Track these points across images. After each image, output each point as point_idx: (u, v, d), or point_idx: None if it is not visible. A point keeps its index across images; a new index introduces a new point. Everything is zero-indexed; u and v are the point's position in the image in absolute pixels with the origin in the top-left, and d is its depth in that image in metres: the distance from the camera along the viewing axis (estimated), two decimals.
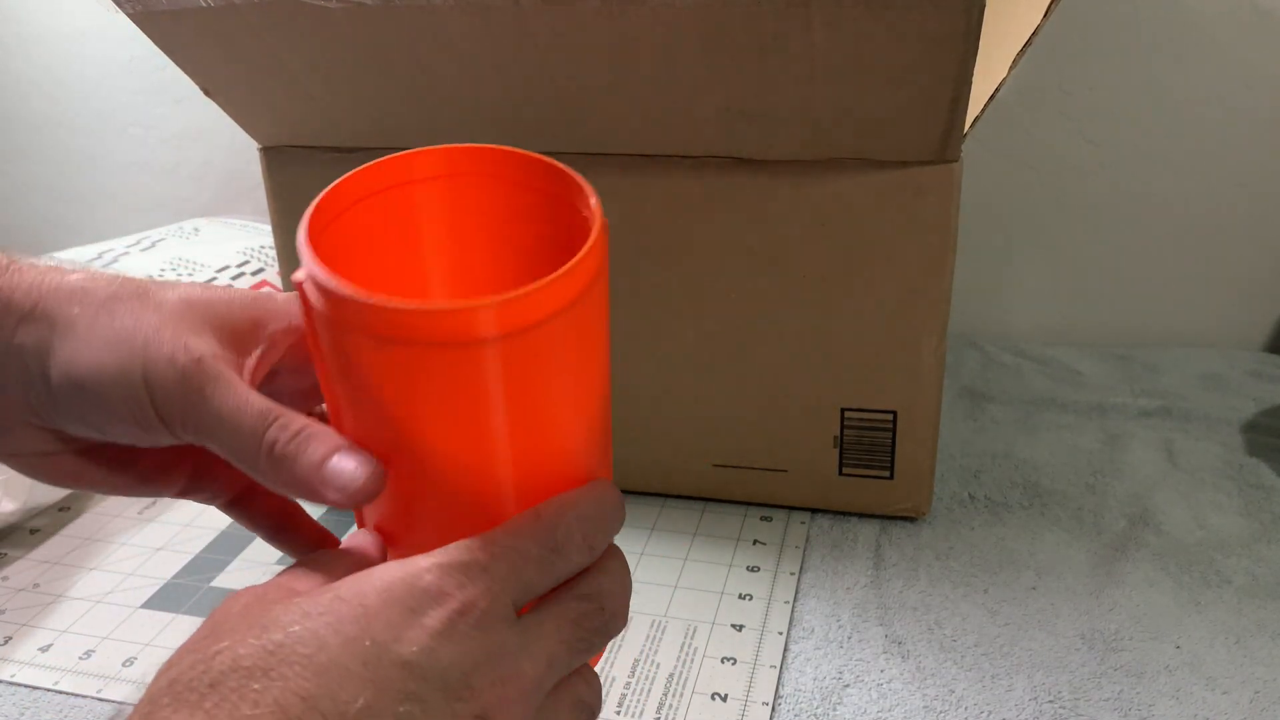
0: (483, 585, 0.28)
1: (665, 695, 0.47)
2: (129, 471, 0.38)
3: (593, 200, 0.30)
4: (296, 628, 0.26)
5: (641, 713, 0.46)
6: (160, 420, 0.33)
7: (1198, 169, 0.79)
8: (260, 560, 0.59)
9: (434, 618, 0.27)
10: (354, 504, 0.30)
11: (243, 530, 0.43)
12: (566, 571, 0.30)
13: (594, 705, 0.31)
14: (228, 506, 0.39)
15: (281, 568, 0.33)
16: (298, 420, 0.31)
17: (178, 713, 0.25)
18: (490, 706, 0.27)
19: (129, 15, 0.50)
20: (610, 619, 0.31)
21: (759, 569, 0.56)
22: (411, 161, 0.33)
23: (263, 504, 0.39)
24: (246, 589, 0.29)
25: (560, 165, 0.32)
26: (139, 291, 0.34)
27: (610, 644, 0.50)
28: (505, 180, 0.33)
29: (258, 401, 0.32)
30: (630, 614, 0.55)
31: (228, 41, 0.51)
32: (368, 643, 0.26)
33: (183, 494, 0.39)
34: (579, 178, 0.31)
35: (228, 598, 0.29)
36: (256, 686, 0.25)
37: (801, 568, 0.56)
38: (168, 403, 0.32)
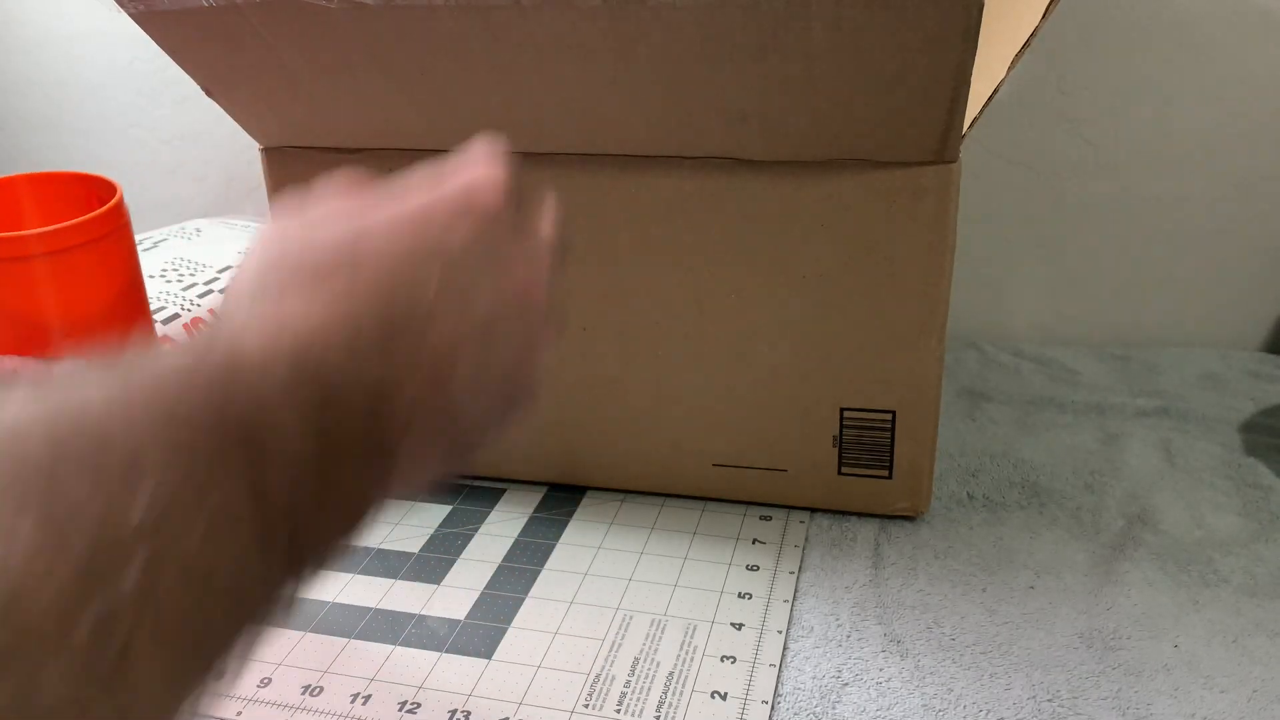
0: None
1: (665, 694, 0.47)
2: None
3: (118, 191, 0.56)
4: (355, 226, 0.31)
5: (641, 711, 0.46)
6: None
7: (1198, 169, 0.79)
8: None
9: (463, 228, 0.33)
10: None
11: None
12: None
13: None
14: None
15: None
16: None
17: (299, 294, 0.29)
18: (492, 307, 0.33)
19: (131, 15, 0.50)
20: None
21: (758, 568, 0.56)
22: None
23: None
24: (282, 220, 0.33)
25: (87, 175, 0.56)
26: None
27: (610, 642, 0.50)
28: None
29: None
30: (630, 613, 0.55)
31: (228, 41, 0.51)
32: (429, 240, 0.32)
33: None
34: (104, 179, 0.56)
35: (267, 230, 0.32)
36: (344, 276, 0.29)
37: (801, 567, 0.56)
38: None
